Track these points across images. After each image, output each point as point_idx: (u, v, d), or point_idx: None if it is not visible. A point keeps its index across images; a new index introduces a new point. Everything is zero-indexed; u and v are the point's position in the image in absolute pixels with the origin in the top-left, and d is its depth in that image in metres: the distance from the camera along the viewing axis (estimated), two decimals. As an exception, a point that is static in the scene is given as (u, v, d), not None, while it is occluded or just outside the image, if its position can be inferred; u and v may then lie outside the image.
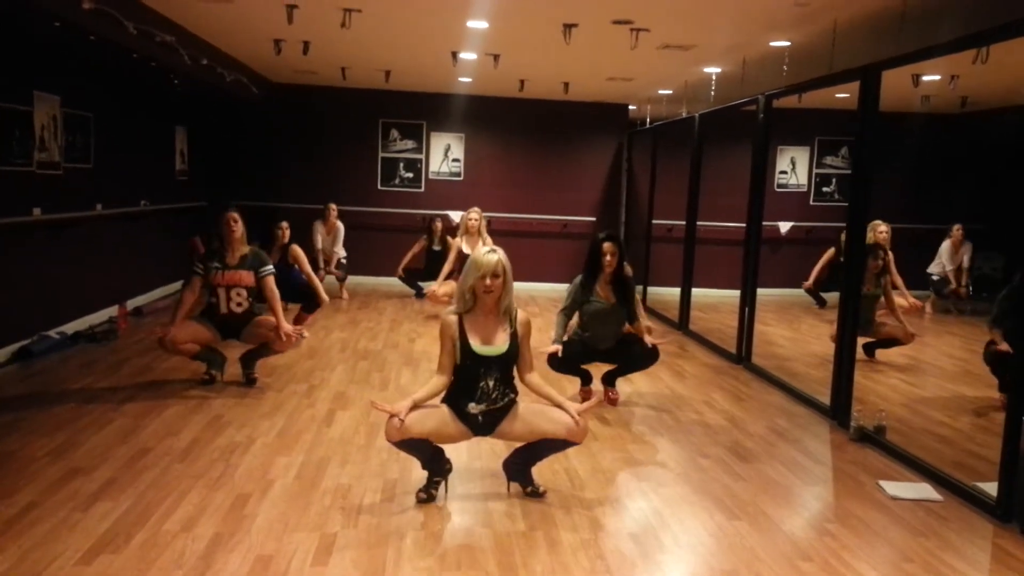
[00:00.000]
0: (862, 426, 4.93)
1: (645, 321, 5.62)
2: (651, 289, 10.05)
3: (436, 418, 3.60)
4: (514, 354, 3.64)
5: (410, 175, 11.12)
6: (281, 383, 5.62)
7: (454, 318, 3.61)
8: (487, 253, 3.59)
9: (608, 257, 5.18)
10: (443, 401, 3.68)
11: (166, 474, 3.87)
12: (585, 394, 5.45)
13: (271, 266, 5.55)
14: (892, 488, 4.08)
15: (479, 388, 3.59)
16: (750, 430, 5.04)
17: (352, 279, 9.84)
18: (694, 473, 4.24)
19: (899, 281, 7.01)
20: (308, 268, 7.24)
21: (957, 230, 9.41)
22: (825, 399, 5.40)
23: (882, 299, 6.68)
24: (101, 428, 4.50)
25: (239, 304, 5.40)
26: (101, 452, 4.12)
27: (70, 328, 6.78)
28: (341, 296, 9.60)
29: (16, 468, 3.86)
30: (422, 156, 11.11)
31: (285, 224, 7.35)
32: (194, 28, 6.86)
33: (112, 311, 7.54)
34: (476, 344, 3.57)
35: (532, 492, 3.79)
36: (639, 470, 4.27)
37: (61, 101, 6.68)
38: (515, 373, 3.72)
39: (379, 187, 11.03)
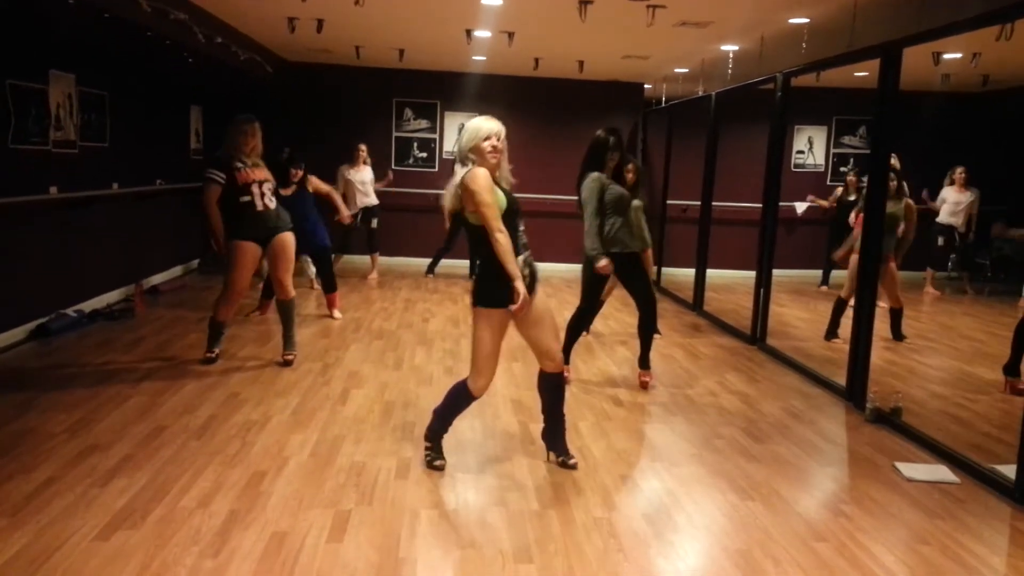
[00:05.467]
0: (878, 407, 4.90)
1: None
2: (665, 269, 10.01)
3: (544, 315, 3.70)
4: None
5: (424, 154, 11.09)
6: (296, 362, 5.64)
7: (488, 172, 3.53)
8: (486, 119, 3.59)
9: (612, 163, 5.17)
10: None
11: (183, 451, 3.90)
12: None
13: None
14: (908, 470, 4.06)
15: (519, 241, 3.59)
16: (764, 411, 5.02)
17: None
18: (708, 454, 4.23)
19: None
20: (326, 187, 7.34)
21: (960, 172, 8.39)
22: (841, 380, 5.37)
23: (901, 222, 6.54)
24: (118, 405, 4.54)
25: (270, 199, 5.42)
26: (118, 429, 4.16)
27: (87, 306, 6.83)
28: (372, 274, 9.55)
29: (34, 444, 3.90)
30: (436, 135, 11.07)
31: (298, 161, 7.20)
32: (208, 6, 6.83)
33: (129, 290, 7.59)
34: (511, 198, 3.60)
35: (563, 463, 3.89)
36: (653, 450, 4.27)
37: (76, 79, 6.69)
38: None
39: (393, 166, 11.01)
